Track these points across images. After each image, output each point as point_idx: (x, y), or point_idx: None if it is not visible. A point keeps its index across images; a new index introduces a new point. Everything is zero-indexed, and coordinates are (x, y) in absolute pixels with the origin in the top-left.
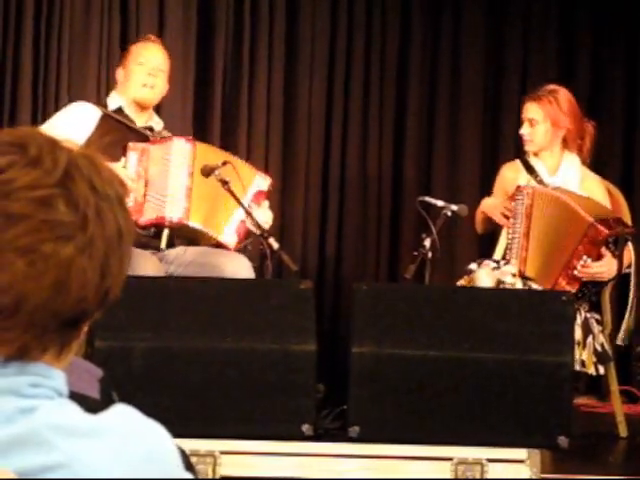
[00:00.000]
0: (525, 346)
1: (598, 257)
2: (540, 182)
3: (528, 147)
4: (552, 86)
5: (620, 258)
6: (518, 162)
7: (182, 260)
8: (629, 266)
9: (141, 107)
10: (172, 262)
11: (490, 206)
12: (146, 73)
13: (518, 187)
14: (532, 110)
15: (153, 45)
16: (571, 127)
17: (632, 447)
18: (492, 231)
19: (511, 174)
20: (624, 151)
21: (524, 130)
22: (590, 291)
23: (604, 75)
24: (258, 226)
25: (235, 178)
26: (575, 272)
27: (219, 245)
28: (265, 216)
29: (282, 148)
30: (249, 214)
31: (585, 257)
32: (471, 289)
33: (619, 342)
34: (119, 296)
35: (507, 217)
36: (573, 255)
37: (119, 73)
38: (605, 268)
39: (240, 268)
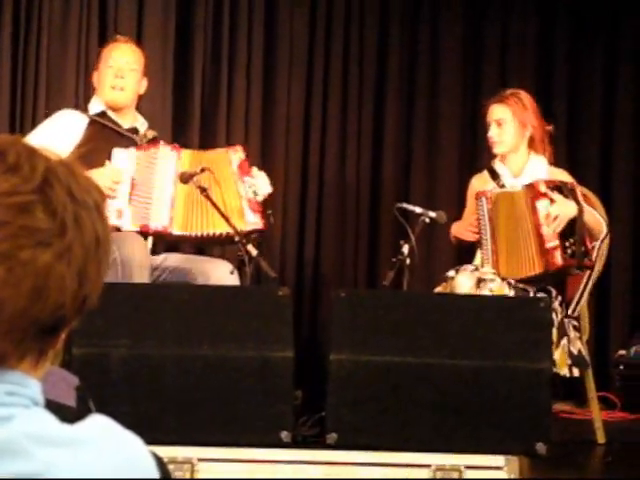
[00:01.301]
0: (503, 352)
1: (552, 204)
2: (502, 186)
3: (497, 149)
4: (512, 89)
5: (575, 199)
6: (485, 172)
7: (166, 266)
8: (599, 231)
9: (115, 109)
10: (157, 267)
11: (459, 229)
12: (113, 75)
13: (477, 194)
14: (498, 111)
15: (121, 45)
16: (537, 126)
17: (610, 453)
18: (470, 248)
19: (479, 184)
20: (601, 163)
21: (492, 132)
22: (573, 244)
23: (582, 88)
24: (236, 232)
25: (214, 184)
26: (545, 231)
27: (214, 238)
28: (264, 183)
29: (260, 154)
30: (227, 220)
31: (541, 210)
32: (449, 295)
33: (569, 312)
34: (97, 303)
35: (475, 232)
36: (535, 225)
37: (94, 78)
38: (562, 206)
39: (225, 274)
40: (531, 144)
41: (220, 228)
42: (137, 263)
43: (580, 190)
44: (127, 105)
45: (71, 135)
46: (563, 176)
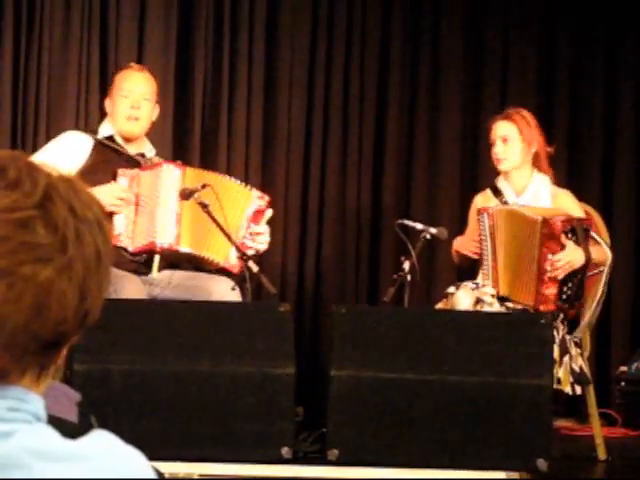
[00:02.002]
0: (504, 369)
1: (561, 250)
2: (505, 203)
3: (502, 166)
4: (515, 107)
5: (585, 246)
6: (488, 190)
7: (168, 283)
8: (603, 264)
9: (128, 140)
10: (158, 284)
11: (461, 244)
12: (129, 106)
13: (478, 210)
14: (504, 128)
15: (135, 74)
16: (541, 144)
17: (611, 470)
18: (470, 264)
19: (482, 203)
20: (602, 175)
21: (498, 149)
22: (571, 290)
23: (583, 103)
24: (238, 249)
25: (215, 201)
26: (548, 274)
27: (223, 270)
28: (265, 239)
29: (261, 171)
30: (228, 237)
31: (550, 256)
32: (450, 312)
33: (577, 334)
34: (98, 319)
35: (476, 252)
36: (540, 260)
37: (107, 104)
38: (570, 256)
39: (227, 290)
40: (535, 162)
41: (217, 256)
42: None
43: (589, 222)
44: (141, 134)
45: (76, 157)
46: (567, 197)
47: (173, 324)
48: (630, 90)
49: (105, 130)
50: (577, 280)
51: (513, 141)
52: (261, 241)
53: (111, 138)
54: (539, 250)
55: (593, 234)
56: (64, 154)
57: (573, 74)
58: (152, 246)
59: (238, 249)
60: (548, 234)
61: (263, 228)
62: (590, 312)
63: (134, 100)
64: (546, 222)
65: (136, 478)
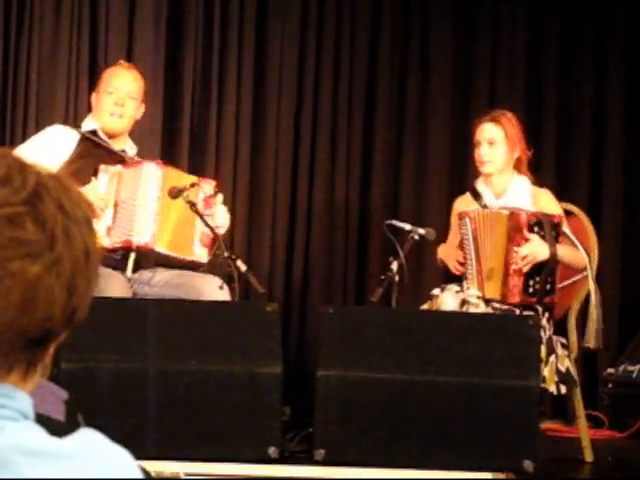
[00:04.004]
0: (491, 370)
1: (525, 243)
2: (484, 207)
3: (487, 169)
4: (500, 109)
5: (551, 241)
6: (468, 194)
7: (156, 281)
8: (584, 268)
9: (110, 136)
10: (147, 283)
11: (446, 255)
12: (113, 102)
13: (459, 214)
14: (491, 130)
15: (123, 71)
16: (523, 149)
17: (597, 472)
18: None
19: (463, 206)
20: (591, 177)
21: (483, 151)
22: (538, 283)
23: (572, 98)
24: (222, 244)
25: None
26: (513, 267)
27: (193, 264)
28: (222, 218)
29: (250, 170)
30: (215, 234)
31: (516, 249)
32: (438, 313)
33: (590, 345)
34: (86, 317)
35: (461, 264)
36: (507, 252)
37: (93, 98)
38: (532, 247)
39: (217, 289)
40: (515, 166)
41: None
42: None
43: (566, 220)
44: (123, 131)
45: (61, 150)
46: (547, 196)
47: (160, 323)
48: (618, 90)
49: (89, 125)
50: (544, 275)
51: (499, 144)
52: (218, 218)
53: (94, 133)
54: (505, 243)
55: (567, 232)
56: (49, 148)
57: (561, 76)
58: (128, 244)
59: (224, 246)
60: (513, 226)
61: (214, 209)
62: (592, 318)
63: (119, 97)
64: (512, 215)
65: (123, 477)
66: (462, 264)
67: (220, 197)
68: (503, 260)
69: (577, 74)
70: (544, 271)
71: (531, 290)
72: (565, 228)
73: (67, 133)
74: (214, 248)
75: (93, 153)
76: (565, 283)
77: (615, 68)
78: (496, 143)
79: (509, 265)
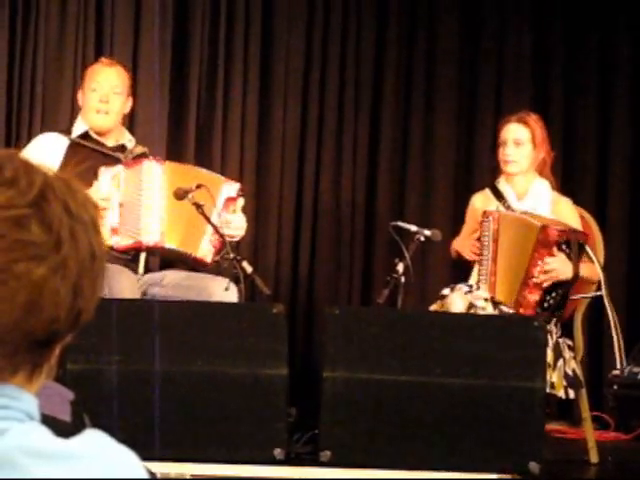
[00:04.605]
0: (497, 371)
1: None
2: (508, 208)
3: (510, 168)
4: (526, 111)
5: (576, 261)
6: (487, 191)
7: (166, 282)
8: (599, 288)
9: (99, 133)
10: (156, 284)
11: (461, 245)
12: (97, 100)
13: (484, 212)
14: (518, 131)
15: (105, 68)
16: (548, 152)
17: (603, 473)
18: (467, 263)
19: (481, 203)
20: (598, 178)
21: (509, 150)
22: (554, 299)
23: (577, 100)
24: (228, 247)
25: (209, 201)
26: (534, 279)
27: (196, 262)
28: (239, 221)
29: (256, 171)
30: (221, 236)
31: (540, 262)
32: (443, 314)
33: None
34: (91, 318)
35: (476, 254)
36: (530, 263)
37: (79, 97)
38: (557, 265)
39: (227, 291)
40: (538, 168)
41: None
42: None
43: (580, 213)
44: (111, 128)
45: (49, 159)
46: (567, 206)
47: (166, 324)
48: (624, 91)
49: (79, 127)
50: (561, 292)
51: (525, 145)
52: (235, 227)
53: (86, 134)
54: (531, 254)
55: (588, 250)
56: (37, 158)
57: (568, 76)
58: (138, 245)
59: (230, 248)
60: (542, 240)
61: (234, 216)
62: (615, 340)
63: (103, 94)
64: (544, 228)
65: (128, 478)
66: (477, 254)
67: (241, 201)
68: (525, 270)
69: (584, 72)
70: (562, 289)
71: (546, 305)
72: (587, 247)
73: (54, 140)
74: (223, 251)
75: (87, 157)
76: (576, 297)
77: (622, 67)
78: (522, 144)
79: (530, 276)
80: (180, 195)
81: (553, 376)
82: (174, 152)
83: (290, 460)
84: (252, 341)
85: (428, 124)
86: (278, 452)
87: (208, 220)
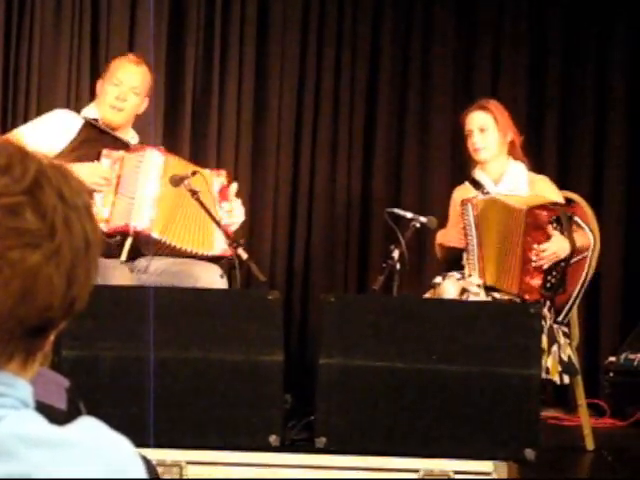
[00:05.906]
0: (492, 358)
1: (547, 240)
2: (487, 194)
3: (480, 156)
4: (486, 98)
5: (570, 235)
6: (467, 183)
7: (153, 269)
8: (587, 249)
9: (109, 127)
10: (145, 271)
11: (445, 236)
12: (115, 96)
13: (462, 201)
14: (480, 118)
15: (130, 65)
16: (515, 133)
17: (599, 460)
18: (454, 257)
19: (462, 196)
20: (594, 169)
21: (475, 138)
22: (555, 278)
23: (574, 94)
24: (227, 235)
25: (205, 189)
26: (533, 264)
27: (217, 258)
28: (238, 208)
29: (251, 159)
30: (218, 224)
31: (535, 245)
32: (439, 301)
33: (560, 318)
34: (86, 306)
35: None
36: (524, 249)
37: (98, 85)
38: (556, 246)
39: (214, 277)
40: (510, 151)
41: (198, 247)
42: None
43: (574, 209)
44: (122, 124)
45: (63, 134)
46: (545, 183)
47: (162, 311)
48: (620, 84)
49: (91, 112)
50: (560, 268)
51: (490, 130)
52: (236, 214)
53: (96, 120)
54: (523, 239)
55: (576, 218)
56: (52, 130)
57: (565, 75)
58: (126, 228)
59: (227, 236)
60: (533, 224)
61: (233, 204)
62: (573, 297)
63: (122, 91)
64: (531, 212)
65: (123, 465)
66: (463, 240)
67: (234, 186)
68: (521, 256)
69: (580, 65)
70: (561, 265)
71: (548, 285)
72: (576, 217)
73: (71, 118)
74: (237, 243)
75: (98, 139)
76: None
77: (618, 60)
78: (487, 129)
79: (527, 261)
80: (176, 181)
81: (548, 361)
82: (170, 146)
83: (285, 447)
84: (248, 328)
85: (424, 111)
86: (273, 439)
87: (203, 206)
